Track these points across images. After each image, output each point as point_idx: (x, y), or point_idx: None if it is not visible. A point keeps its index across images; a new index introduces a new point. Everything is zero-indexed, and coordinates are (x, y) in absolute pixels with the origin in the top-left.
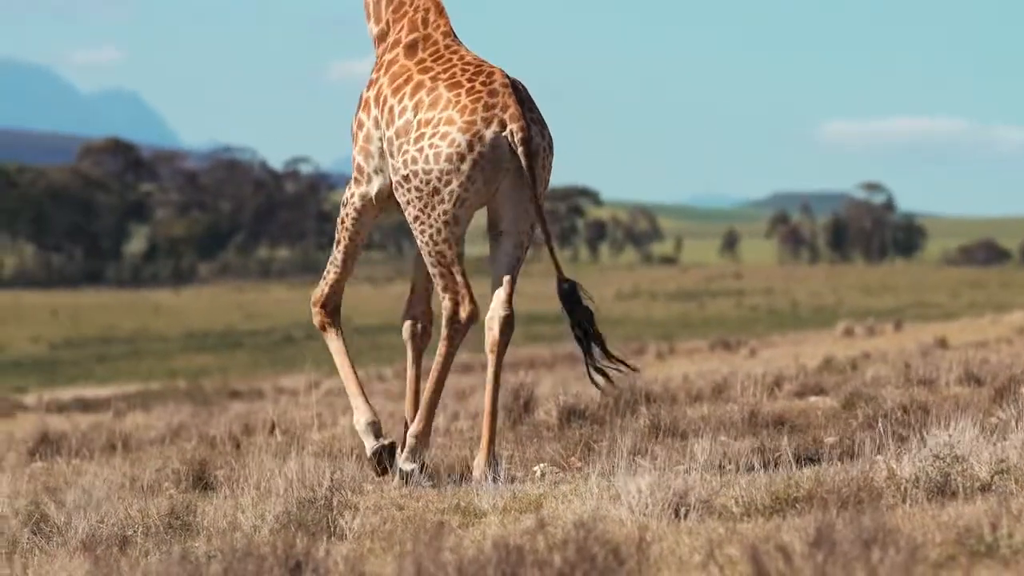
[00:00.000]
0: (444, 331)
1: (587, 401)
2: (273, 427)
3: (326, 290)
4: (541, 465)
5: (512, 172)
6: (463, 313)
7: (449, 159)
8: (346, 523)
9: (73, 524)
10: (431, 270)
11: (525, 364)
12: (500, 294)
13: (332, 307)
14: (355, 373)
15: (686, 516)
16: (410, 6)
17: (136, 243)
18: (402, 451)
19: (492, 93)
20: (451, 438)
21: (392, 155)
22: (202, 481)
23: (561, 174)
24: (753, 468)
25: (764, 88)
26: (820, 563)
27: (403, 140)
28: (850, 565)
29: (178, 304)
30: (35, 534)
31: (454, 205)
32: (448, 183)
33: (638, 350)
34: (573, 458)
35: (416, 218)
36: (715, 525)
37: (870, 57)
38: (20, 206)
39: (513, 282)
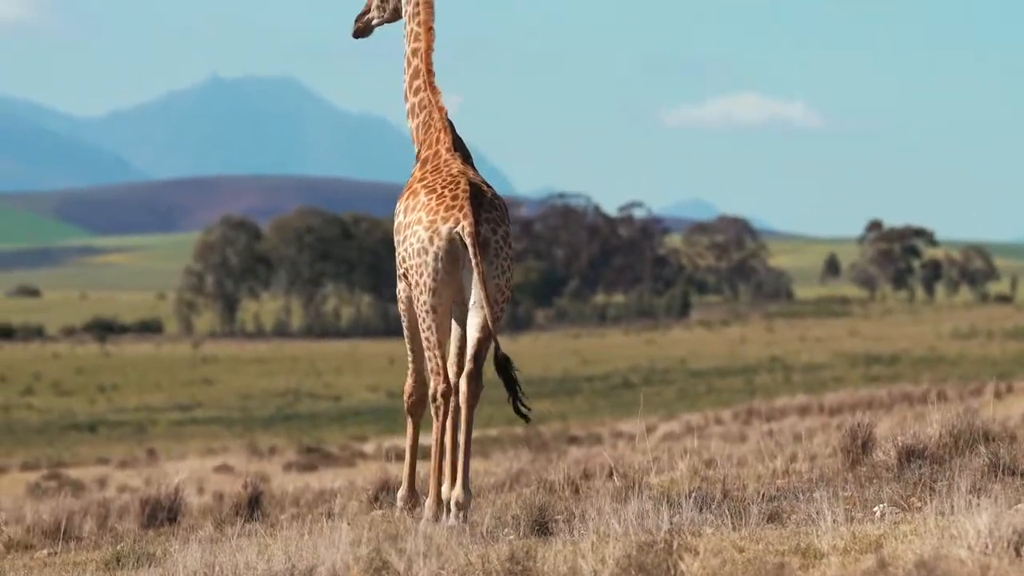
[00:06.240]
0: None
1: (926, 441)
2: (611, 471)
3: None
4: (881, 505)
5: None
6: (440, 389)
7: (418, 253)
8: (686, 566)
9: (414, 571)
10: (410, 345)
11: (863, 405)
12: (467, 352)
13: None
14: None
15: None
16: (432, 128)
17: None
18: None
19: (454, 198)
20: (790, 479)
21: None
22: (542, 526)
23: (896, 215)
24: None
25: None
26: None
27: (397, 239)
28: None
29: (515, 350)
30: None
31: (429, 295)
32: (421, 274)
33: (975, 389)
34: (913, 498)
35: (415, 305)
36: None
37: None
38: (356, 256)
39: (479, 344)
